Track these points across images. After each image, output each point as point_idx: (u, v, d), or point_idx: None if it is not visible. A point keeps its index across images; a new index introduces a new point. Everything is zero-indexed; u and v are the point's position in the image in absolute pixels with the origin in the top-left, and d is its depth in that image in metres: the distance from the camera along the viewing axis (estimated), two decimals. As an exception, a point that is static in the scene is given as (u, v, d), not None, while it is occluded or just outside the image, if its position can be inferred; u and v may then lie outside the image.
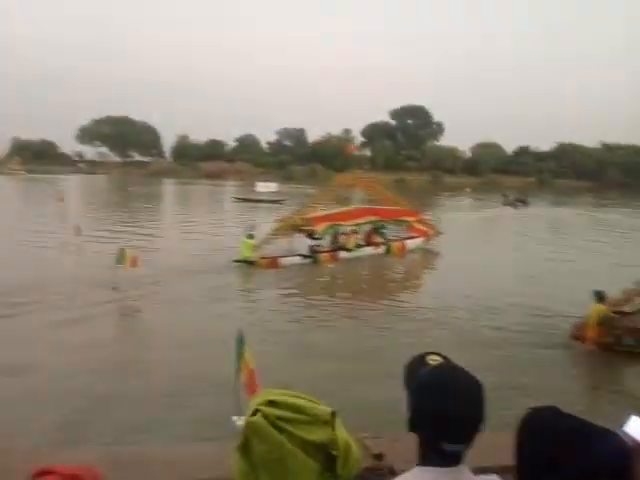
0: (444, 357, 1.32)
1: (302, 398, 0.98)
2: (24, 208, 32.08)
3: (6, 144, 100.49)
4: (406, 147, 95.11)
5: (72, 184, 51.30)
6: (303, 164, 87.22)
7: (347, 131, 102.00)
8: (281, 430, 0.91)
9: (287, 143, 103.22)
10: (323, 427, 0.93)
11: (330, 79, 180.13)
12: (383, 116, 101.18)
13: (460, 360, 1.25)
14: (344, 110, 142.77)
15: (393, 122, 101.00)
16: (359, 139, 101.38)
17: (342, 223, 16.96)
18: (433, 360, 1.29)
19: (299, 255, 15.91)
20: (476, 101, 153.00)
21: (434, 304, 11.51)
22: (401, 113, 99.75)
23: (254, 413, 0.94)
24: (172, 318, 9.94)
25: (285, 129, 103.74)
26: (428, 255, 18.76)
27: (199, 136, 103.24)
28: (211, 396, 6.15)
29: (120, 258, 11.49)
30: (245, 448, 0.94)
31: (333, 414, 0.96)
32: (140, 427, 5.63)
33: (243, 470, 0.95)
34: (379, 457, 1.81)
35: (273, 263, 15.13)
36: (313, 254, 16.12)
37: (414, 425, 1.20)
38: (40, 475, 1.06)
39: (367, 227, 17.91)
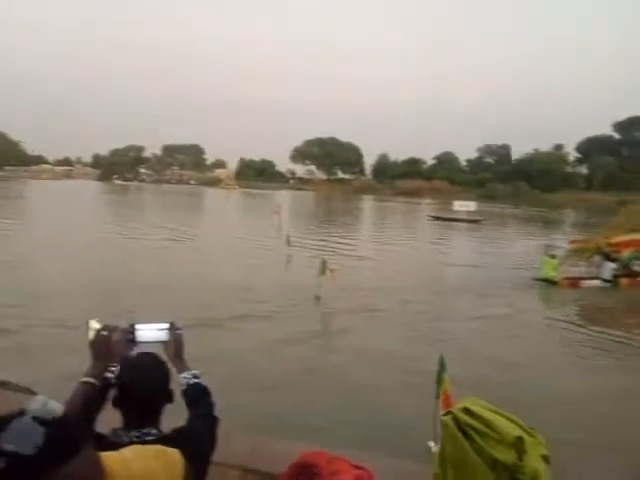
0: None
1: (501, 415, 1.00)
2: (248, 219, 37.19)
3: (235, 163, 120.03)
4: (634, 164, 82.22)
5: (283, 199, 57.34)
6: (505, 182, 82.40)
7: (559, 146, 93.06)
8: (471, 439, 0.97)
9: (488, 160, 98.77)
10: (510, 448, 0.94)
11: (539, 93, 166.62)
12: (605, 129, 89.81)
13: None
14: (555, 124, 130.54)
15: (617, 136, 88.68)
16: (573, 155, 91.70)
17: None
18: None
19: (600, 279, 15.63)
20: None
21: None
22: (628, 125, 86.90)
23: (447, 414, 1.04)
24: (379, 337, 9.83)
25: (487, 145, 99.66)
26: None
27: (398, 155, 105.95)
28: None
29: (322, 269, 12.33)
30: (442, 442, 1.05)
31: (519, 439, 0.95)
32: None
33: (437, 461, 1.05)
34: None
35: (574, 284, 15.23)
36: (614, 278, 15.63)
37: None
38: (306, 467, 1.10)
39: None
